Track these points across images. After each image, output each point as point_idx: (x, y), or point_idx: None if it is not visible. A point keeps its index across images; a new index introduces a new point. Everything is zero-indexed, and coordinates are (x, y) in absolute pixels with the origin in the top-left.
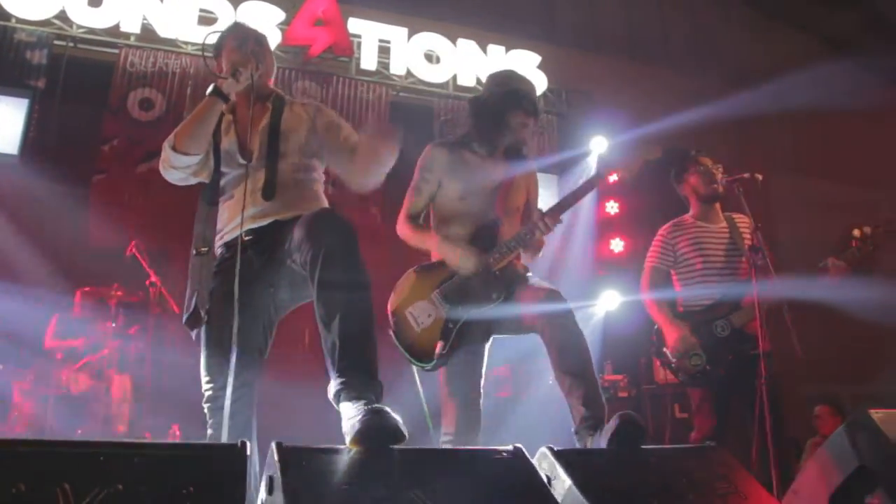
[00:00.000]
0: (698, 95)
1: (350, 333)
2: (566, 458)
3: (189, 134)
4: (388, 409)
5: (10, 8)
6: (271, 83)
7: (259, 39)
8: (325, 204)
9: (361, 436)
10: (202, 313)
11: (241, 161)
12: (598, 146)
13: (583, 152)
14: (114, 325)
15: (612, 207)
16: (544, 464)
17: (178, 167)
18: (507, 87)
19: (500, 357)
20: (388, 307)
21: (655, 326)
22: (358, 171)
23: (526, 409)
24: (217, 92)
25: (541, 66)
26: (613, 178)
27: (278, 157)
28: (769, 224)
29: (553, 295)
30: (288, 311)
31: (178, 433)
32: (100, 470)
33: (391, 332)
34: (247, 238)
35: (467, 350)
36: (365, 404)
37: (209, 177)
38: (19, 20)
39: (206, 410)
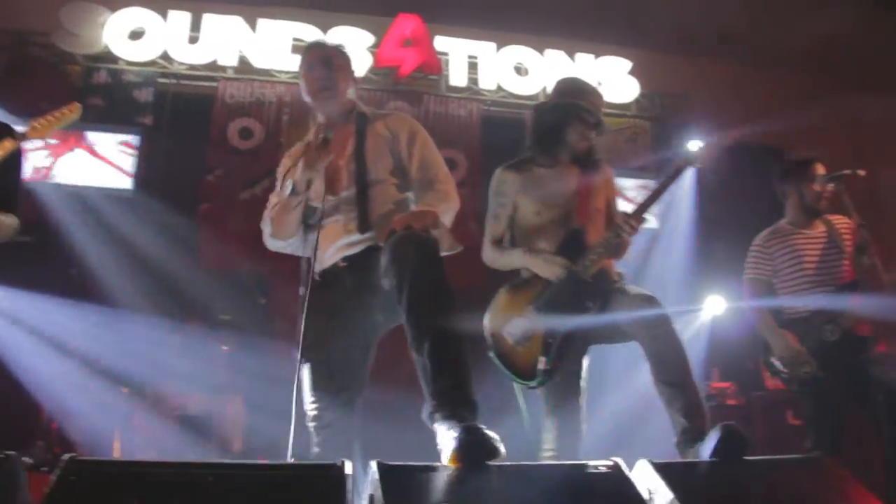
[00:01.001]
0: (799, 95)
1: (441, 355)
2: (666, 471)
3: (281, 223)
4: (482, 426)
5: (119, 52)
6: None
7: (327, 60)
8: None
9: (458, 453)
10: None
11: (330, 196)
12: (693, 149)
13: (679, 155)
14: (226, 347)
15: (713, 209)
16: (644, 477)
17: (277, 249)
18: (566, 99)
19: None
20: (484, 326)
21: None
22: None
23: (626, 421)
24: (294, 191)
25: (632, 72)
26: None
27: (367, 186)
28: (878, 221)
29: (649, 301)
30: (384, 332)
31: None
32: (207, 489)
33: (491, 354)
34: (342, 265)
35: (567, 367)
36: (459, 422)
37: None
38: (127, 62)
39: (311, 429)
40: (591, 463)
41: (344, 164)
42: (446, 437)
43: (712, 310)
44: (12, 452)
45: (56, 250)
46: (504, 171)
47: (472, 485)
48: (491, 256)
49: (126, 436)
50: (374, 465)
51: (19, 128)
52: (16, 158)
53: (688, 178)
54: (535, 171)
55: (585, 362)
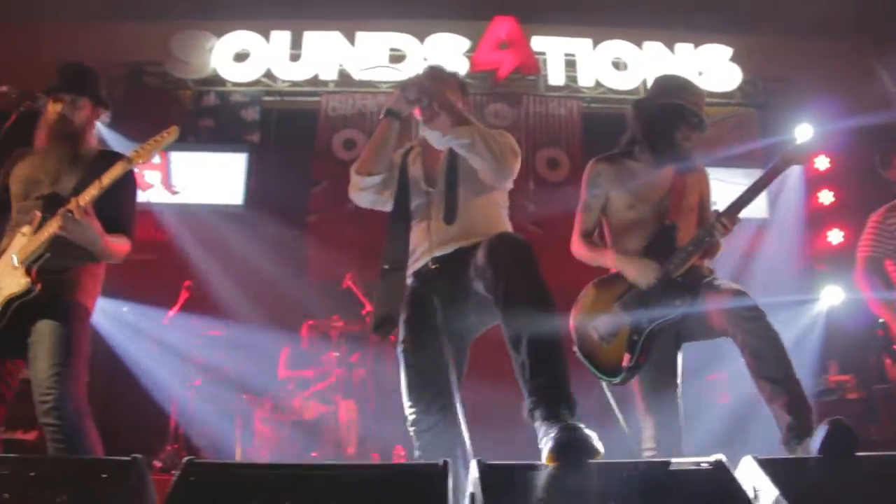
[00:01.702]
0: None
1: (538, 353)
2: (772, 467)
3: (368, 156)
4: (581, 424)
5: (226, 74)
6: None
7: (433, 75)
8: (506, 227)
9: (556, 452)
10: (383, 322)
11: (425, 188)
12: (803, 134)
13: (788, 142)
14: (337, 354)
15: (826, 197)
16: (749, 475)
17: (362, 188)
18: (671, 99)
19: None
20: (570, 323)
21: (880, 321)
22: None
23: (729, 417)
24: (389, 112)
25: (734, 58)
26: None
27: (457, 182)
28: None
29: (740, 296)
30: (479, 334)
31: (402, 453)
32: (316, 489)
33: (575, 349)
34: (433, 266)
35: (658, 361)
36: (558, 421)
37: (391, 199)
38: (234, 84)
39: (411, 433)
40: (693, 460)
41: (441, 161)
42: (546, 436)
43: (829, 300)
44: (139, 455)
45: (175, 266)
46: (598, 163)
47: (572, 483)
48: (581, 251)
49: (246, 440)
50: (474, 463)
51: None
52: (127, 183)
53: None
54: (630, 164)
55: (678, 361)
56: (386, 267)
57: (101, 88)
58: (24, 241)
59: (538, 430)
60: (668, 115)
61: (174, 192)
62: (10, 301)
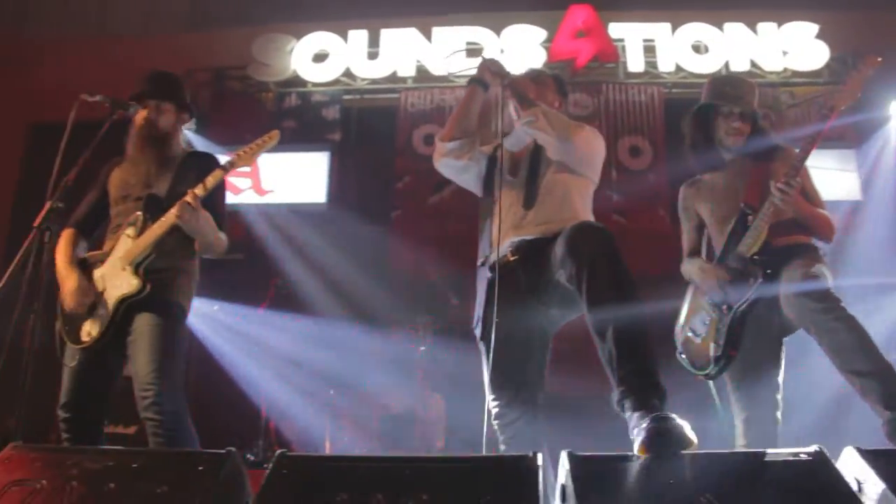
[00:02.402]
0: None
1: (626, 342)
2: (877, 459)
3: (451, 122)
4: (673, 415)
5: (306, 75)
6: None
7: (529, 75)
8: (587, 217)
9: (649, 443)
10: (482, 326)
11: (508, 177)
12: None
13: (880, 119)
14: (423, 348)
15: None
16: (851, 466)
17: (442, 153)
18: (702, 102)
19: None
20: (675, 331)
21: None
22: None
23: (826, 407)
24: (475, 80)
25: (819, 35)
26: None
27: (538, 172)
28: None
29: (808, 281)
30: (560, 326)
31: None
32: (408, 481)
33: (679, 355)
34: (513, 258)
35: (752, 353)
36: (649, 411)
37: (471, 167)
38: (314, 84)
39: (495, 427)
40: (792, 451)
41: (523, 157)
42: (637, 427)
43: None
44: (233, 448)
45: (262, 265)
46: (683, 188)
47: (664, 474)
48: (682, 270)
49: (335, 434)
50: (564, 455)
51: (223, 157)
52: (220, 184)
53: (892, 137)
54: (708, 177)
55: (779, 359)
56: (480, 263)
57: (184, 94)
58: (129, 244)
59: (628, 420)
60: (700, 119)
61: (265, 193)
62: (122, 301)
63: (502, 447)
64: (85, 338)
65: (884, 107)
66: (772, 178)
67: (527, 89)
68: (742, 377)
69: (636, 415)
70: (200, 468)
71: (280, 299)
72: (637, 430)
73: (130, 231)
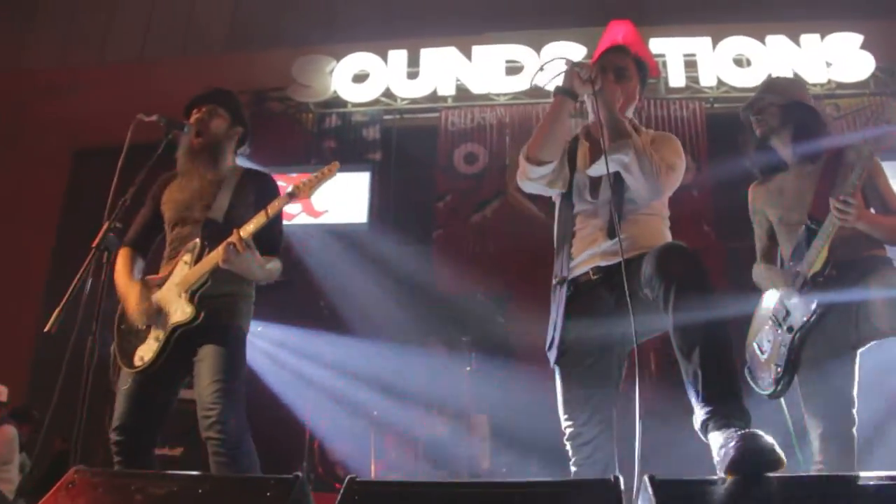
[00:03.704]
0: None
1: (712, 361)
2: None
3: (540, 141)
4: (762, 433)
5: (346, 96)
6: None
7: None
8: (669, 238)
9: (738, 463)
10: (558, 346)
11: (589, 199)
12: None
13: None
14: (469, 368)
15: None
16: None
17: (533, 178)
18: (744, 113)
19: None
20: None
21: None
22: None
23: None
24: (562, 89)
25: (864, 46)
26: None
27: (623, 195)
28: None
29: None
30: (636, 344)
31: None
32: None
33: (745, 370)
34: (595, 277)
35: (820, 370)
36: (736, 430)
37: (565, 185)
38: (354, 104)
39: (568, 448)
40: (886, 474)
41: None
42: (723, 447)
43: None
44: (300, 474)
45: (307, 286)
46: (751, 189)
47: (751, 498)
48: (754, 278)
49: (380, 455)
50: (646, 479)
51: (280, 181)
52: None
53: None
54: (776, 178)
55: (852, 369)
56: (557, 282)
57: (240, 107)
58: (185, 270)
59: (713, 440)
60: (742, 131)
61: (320, 214)
62: (176, 327)
63: (574, 468)
64: (138, 362)
65: None
66: (841, 183)
67: (615, 99)
68: (814, 391)
69: (723, 434)
70: (268, 494)
71: (325, 320)
72: (724, 450)
73: (188, 258)
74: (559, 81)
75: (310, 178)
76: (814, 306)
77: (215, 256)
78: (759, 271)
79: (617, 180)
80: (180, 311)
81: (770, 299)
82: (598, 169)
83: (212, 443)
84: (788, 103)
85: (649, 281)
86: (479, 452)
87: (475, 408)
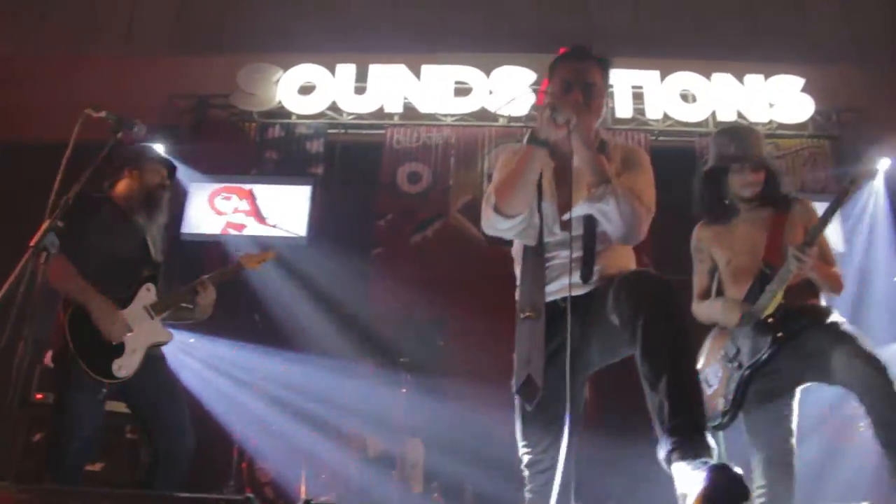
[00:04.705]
0: None
1: (680, 392)
2: None
3: (510, 194)
4: (731, 465)
5: (291, 107)
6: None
7: (587, 74)
8: (634, 264)
9: (711, 492)
10: (538, 382)
11: (558, 232)
12: (881, 166)
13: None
14: (404, 390)
15: None
16: None
17: (501, 229)
18: (716, 160)
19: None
20: None
21: None
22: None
23: (843, 462)
24: (534, 139)
25: (805, 89)
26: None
27: (595, 232)
28: None
29: (866, 359)
30: (596, 369)
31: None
32: None
33: None
34: (563, 305)
35: (765, 404)
36: (704, 462)
37: (535, 238)
38: (299, 116)
39: (525, 474)
40: None
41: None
42: (691, 478)
43: None
44: (251, 495)
45: (241, 298)
46: (699, 228)
47: None
48: (694, 311)
49: (310, 476)
50: None
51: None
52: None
53: (880, 194)
54: (726, 222)
55: (794, 404)
56: (527, 314)
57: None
58: (152, 297)
59: (677, 471)
60: (712, 179)
61: (271, 226)
62: (151, 347)
63: (528, 496)
64: (118, 373)
65: (866, 163)
66: (788, 232)
67: (591, 134)
68: (759, 421)
69: (689, 466)
70: None
71: (259, 333)
72: (693, 483)
73: (150, 285)
74: (519, 107)
75: (254, 256)
76: (766, 346)
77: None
78: (712, 304)
79: (589, 223)
80: (160, 333)
81: (719, 336)
82: (574, 210)
83: (182, 459)
84: (764, 162)
85: (616, 307)
86: (412, 478)
87: (409, 430)
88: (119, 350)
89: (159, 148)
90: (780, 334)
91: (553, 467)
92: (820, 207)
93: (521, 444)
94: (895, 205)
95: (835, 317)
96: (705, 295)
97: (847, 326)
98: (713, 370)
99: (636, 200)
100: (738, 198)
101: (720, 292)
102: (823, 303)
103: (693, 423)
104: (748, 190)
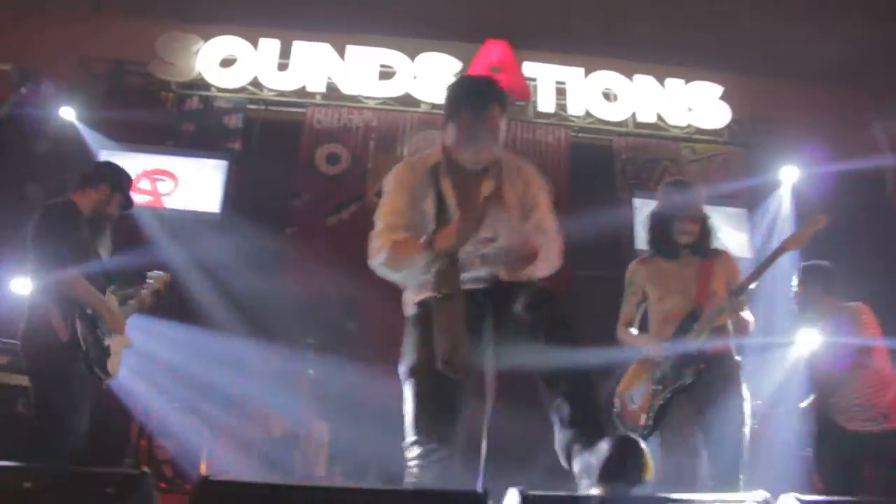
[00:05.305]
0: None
1: (577, 388)
2: None
3: (400, 264)
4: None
5: (211, 79)
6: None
7: (493, 117)
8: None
9: (610, 465)
10: (464, 353)
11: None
12: (788, 176)
13: (772, 183)
14: (311, 372)
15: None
16: None
17: (384, 275)
18: (664, 207)
19: None
20: (616, 392)
21: None
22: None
23: (766, 453)
24: (430, 246)
25: (723, 97)
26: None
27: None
28: None
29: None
30: (501, 369)
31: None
32: None
33: (614, 412)
34: (475, 297)
35: (677, 426)
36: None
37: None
38: (218, 89)
39: (417, 463)
40: (739, 496)
41: (483, 205)
42: (589, 461)
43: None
44: (147, 470)
45: (147, 270)
46: (635, 264)
47: None
48: (622, 338)
49: (212, 456)
50: (514, 493)
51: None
52: None
53: (784, 203)
54: (660, 262)
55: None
56: (445, 293)
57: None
58: (115, 302)
59: (575, 462)
60: (658, 222)
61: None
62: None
63: (413, 480)
64: (112, 372)
65: (775, 172)
66: (714, 280)
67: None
68: (669, 439)
69: (590, 447)
70: (108, 490)
71: (165, 307)
72: (591, 463)
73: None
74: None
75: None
76: (688, 376)
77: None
78: (638, 335)
79: (496, 215)
80: (128, 338)
81: (643, 362)
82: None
83: None
84: (701, 216)
85: (525, 314)
86: (315, 459)
87: (315, 413)
88: (107, 351)
89: (69, 112)
90: (702, 366)
91: (449, 458)
92: (730, 214)
93: (414, 430)
94: (799, 210)
95: (738, 372)
96: (629, 323)
97: (740, 371)
98: (637, 390)
99: (553, 245)
100: (676, 241)
101: (644, 321)
102: (732, 343)
103: (592, 413)
104: (685, 237)
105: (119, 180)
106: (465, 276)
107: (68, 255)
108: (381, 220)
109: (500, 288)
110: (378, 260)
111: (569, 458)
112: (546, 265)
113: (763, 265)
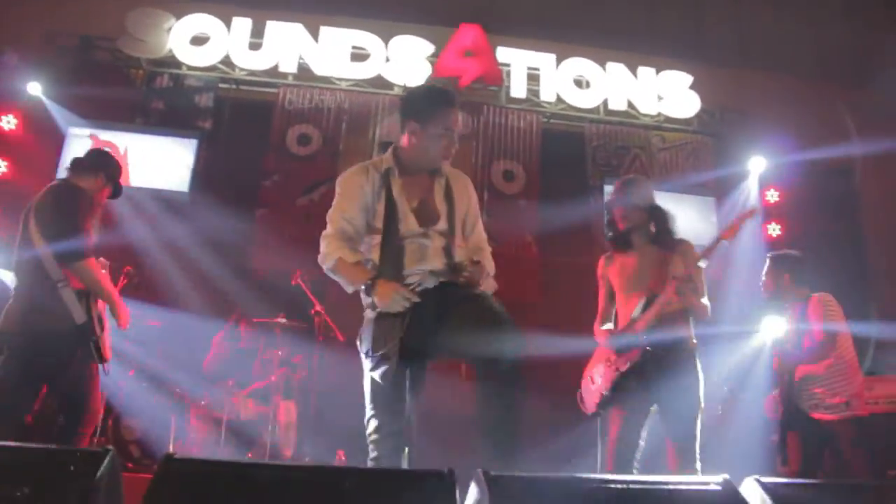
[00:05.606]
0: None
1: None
2: (776, 490)
3: (340, 280)
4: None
5: (182, 57)
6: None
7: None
8: (492, 264)
9: None
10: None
11: (420, 229)
12: (756, 166)
13: (741, 173)
14: (280, 352)
15: (774, 230)
16: (752, 496)
17: (331, 277)
18: (609, 198)
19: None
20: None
21: None
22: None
23: (731, 438)
24: (368, 291)
25: (693, 87)
26: (725, 241)
27: (453, 228)
28: None
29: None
30: (441, 359)
31: (343, 458)
32: (312, 491)
33: (578, 393)
34: (419, 289)
35: (632, 398)
36: None
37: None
38: (189, 67)
39: (371, 440)
40: (700, 479)
41: (435, 202)
42: None
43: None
44: (111, 448)
45: (114, 250)
46: (602, 260)
47: (580, 496)
48: (595, 330)
49: (180, 436)
50: (479, 473)
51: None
52: None
53: (752, 192)
54: (621, 257)
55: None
56: (380, 313)
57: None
58: None
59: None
60: (605, 214)
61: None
62: None
63: (373, 454)
64: (107, 357)
65: (744, 162)
66: (672, 267)
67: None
68: (625, 413)
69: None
70: (72, 468)
71: (131, 288)
72: None
73: None
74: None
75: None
76: (637, 357)
77: None
78: (600, 335)
79: (450, 213)
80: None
81: (608, 346)
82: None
83: None
84: (649, 207)
85: (453, 319)
86: (283, 439)
87: (284, 394)
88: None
89: (35, 87)
90: (648, 348)
91: (399, 433)
92: (699, 202)
93: (371, 411)
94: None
95: (691, 353)
96: (604, 316)
97: (695, 354)
98: (598, 370)
99: (487, 257)
100: (625, 235)
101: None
102: (692, 329)
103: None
104: (625, 223)
105: (114, 171)
106: (407, 271)
107: (87, 238)
108: (331, 224)
109: (441, 287)
110: (326, 266)
111: None
112: (491, 282)
113: (702, 254)
